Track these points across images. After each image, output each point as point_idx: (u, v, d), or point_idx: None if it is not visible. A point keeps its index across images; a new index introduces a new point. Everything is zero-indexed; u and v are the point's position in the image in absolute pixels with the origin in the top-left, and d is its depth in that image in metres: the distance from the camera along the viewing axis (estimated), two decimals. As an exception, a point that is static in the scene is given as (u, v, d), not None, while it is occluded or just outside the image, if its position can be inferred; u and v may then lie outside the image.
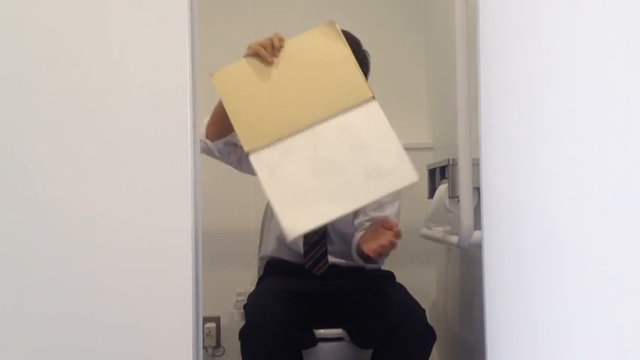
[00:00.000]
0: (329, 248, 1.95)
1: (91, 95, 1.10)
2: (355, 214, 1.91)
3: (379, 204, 1.89)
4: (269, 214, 2.09)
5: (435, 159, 2.41)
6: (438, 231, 1.88)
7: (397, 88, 2.65)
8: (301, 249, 1.94)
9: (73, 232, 1.10)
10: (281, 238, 1.95)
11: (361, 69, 1.60)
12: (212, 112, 1.78)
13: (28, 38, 1.10)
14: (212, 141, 1.81)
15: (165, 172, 1.10)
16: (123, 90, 1.11)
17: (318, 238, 1.94)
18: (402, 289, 1.87)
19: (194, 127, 1.12)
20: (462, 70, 1.36)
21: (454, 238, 1.63)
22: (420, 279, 2.44)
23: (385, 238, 1.61)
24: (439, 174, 1.88)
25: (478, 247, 1.00)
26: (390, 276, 1.99)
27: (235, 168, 1.93)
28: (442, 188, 1.82)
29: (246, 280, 2.57)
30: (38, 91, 1.09)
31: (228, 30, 2.66)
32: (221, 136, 1.81)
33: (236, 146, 1.86)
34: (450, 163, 1.69)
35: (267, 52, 1.56)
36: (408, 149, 2.01)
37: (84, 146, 1.10)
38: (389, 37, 2.69)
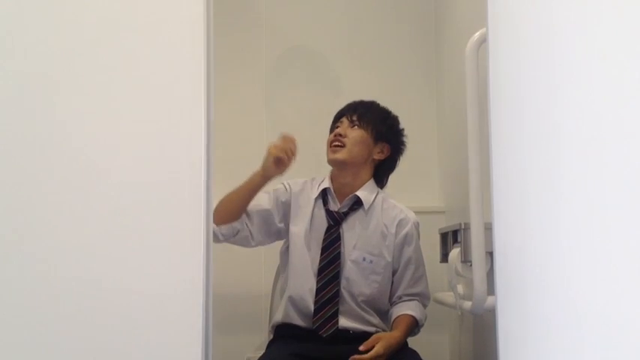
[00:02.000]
0: (340, 308, 1.92)
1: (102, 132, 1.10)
2: (392, 289, 1.99)
3: (414, 280, 1.98)
4: (280, 277, 2.07)
5: (446, 222, 2.40)
6: (450, 296, 1.85)
7: (409, 152, 2.64)
8: (311, 308, 1.91)
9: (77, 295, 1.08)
10: (292, 299, 1.93)
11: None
12: (224, 199, 1.88)
13: (39, 43, 1.10)
14: (217, 225, 1.88)
15: (177, 233, 1.09)
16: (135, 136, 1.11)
17: (329, 297, 1.92)
18: (414, 355, 1.85)
19: (207, 189, 1.11)
20: (473, 133, 1.36)
21: (467, 304, 1.60)
22: (433, 346, 2.38)
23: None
24: (451, 238, 1.87)
25: (492, 313, 0.98)
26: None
27: (242, 245, 2.00)
28: (455, 252, 1.80)
29: (256, 343, 2.52)
30: (47, 98, 1.10)
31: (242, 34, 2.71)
32: (230, 221, 1.89)
33: (249, 219, 1.91)
34: (462, 227, 1.68)
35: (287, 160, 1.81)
36: (420, 213, 2.07)
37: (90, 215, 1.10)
38: (401, 100, 2.71)
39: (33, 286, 1.06)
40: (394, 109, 2.12)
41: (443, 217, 2.55)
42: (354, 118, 2.02)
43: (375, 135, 2.02)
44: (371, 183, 2.04)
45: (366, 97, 2.09)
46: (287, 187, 2.04)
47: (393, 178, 2.18)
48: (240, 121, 2.67)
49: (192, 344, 1.07)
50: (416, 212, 2.10)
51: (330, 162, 2.02)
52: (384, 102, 2.12)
